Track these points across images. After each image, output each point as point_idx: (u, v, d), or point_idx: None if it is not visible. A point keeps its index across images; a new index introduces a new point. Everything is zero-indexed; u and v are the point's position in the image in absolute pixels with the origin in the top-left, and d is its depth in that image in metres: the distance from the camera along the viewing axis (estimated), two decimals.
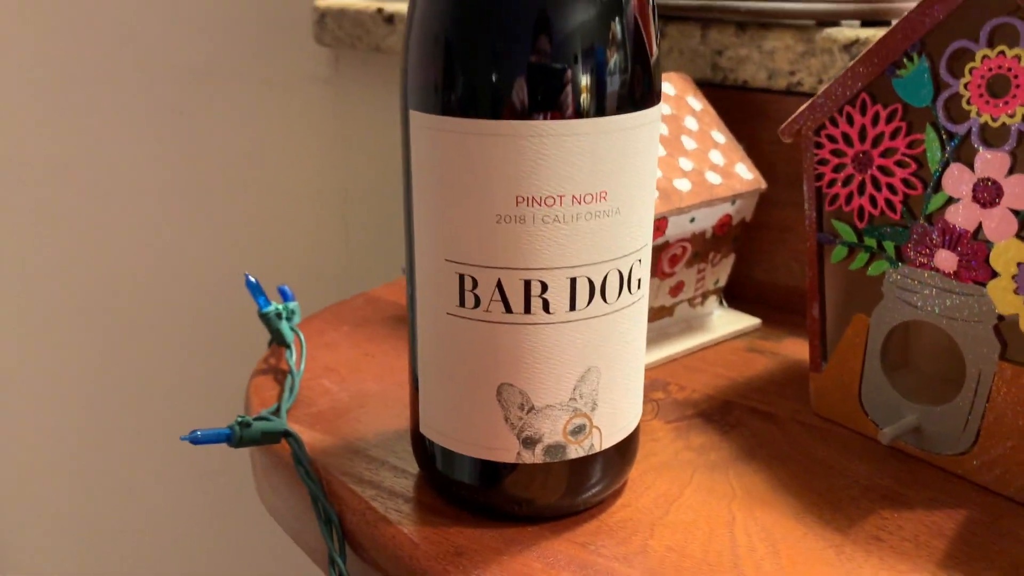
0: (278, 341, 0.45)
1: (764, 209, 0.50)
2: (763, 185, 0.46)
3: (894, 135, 0.35)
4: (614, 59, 0.28)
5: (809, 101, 0.38)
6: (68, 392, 1.07)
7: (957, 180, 0.33)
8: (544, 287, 0.29)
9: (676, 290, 0.47)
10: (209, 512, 0.97)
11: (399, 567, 0.31)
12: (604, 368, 0.31)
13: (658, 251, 0.44)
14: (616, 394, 0.32)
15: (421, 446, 0.34)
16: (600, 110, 0.28)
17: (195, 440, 0.35)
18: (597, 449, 0.32)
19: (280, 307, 0.45)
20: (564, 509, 0.33)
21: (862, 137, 0.36)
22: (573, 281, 0.29)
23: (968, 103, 0.33)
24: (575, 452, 0.32)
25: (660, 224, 0.43)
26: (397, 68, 0.61)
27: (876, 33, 0.46)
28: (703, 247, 0.46)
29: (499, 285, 0.29)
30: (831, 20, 0.48)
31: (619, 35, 0.28)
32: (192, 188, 0.84)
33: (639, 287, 0.32)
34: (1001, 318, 0.33)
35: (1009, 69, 0.31)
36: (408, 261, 0.32)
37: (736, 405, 0.42)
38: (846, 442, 0.38)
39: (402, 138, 0.31)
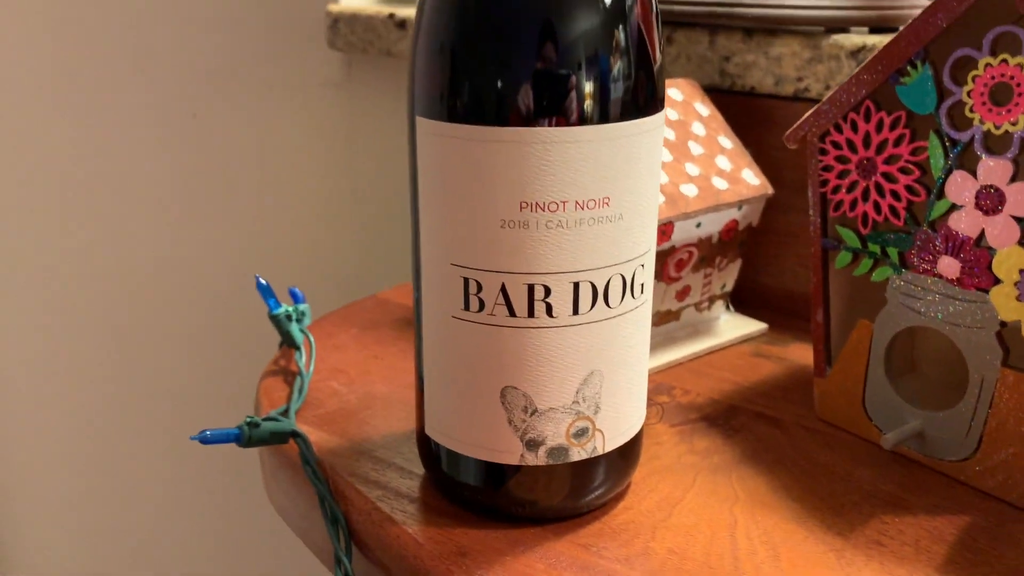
0: (288, 343, 0.46)
1: (771, 214, 0.50)
2: (770, 191, 0.47)
3: (898, 142, 0.35)
4: (617, 67, 0.29)
5: (814, 108, 0.38)
6: (80, 392, 1.08)
7: (960, 187, 0.34)
8: (547, 291, 0.30)
9: (682, 294, 0.47)
10: (218, 511, 0.98)
11: (403, 567, 0.32)
12: (607, 372, 0.31)
13: (664, 256, 0.44)
14: (619, 398, 0.32)
15: (426, 447, 0.34)
16: (603, 117, 0.29)
17: (204, 440, 0.35)
18: (600, 452, 0.32)
19: (290, 309, 0.46)
20: (567, 511, 0.33)
21: (866, 144, 0.36)
22: (576, 285, 0.30)
23: (971, 111, 0.33)
24: (578, 455, 0.32)
25: (666, 229, 0.43)
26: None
27: (882, 40, 0.46)
28: (709, 252, 0.46)
29: (503, 289, 0.30)
30: (840, 27, 0.48)
31: (622, 43, 0.29)
32: (205, 190, 0.85)
33: (642, 292, 0.32)
34: (1003, 324, 0.34)
35: (1011, 77, 0.32)
36: (414, 265, 0.33)
37: (741, 409, 0.42)
38: (850, 447, 0.39)
39: (409, 144, 0.31)
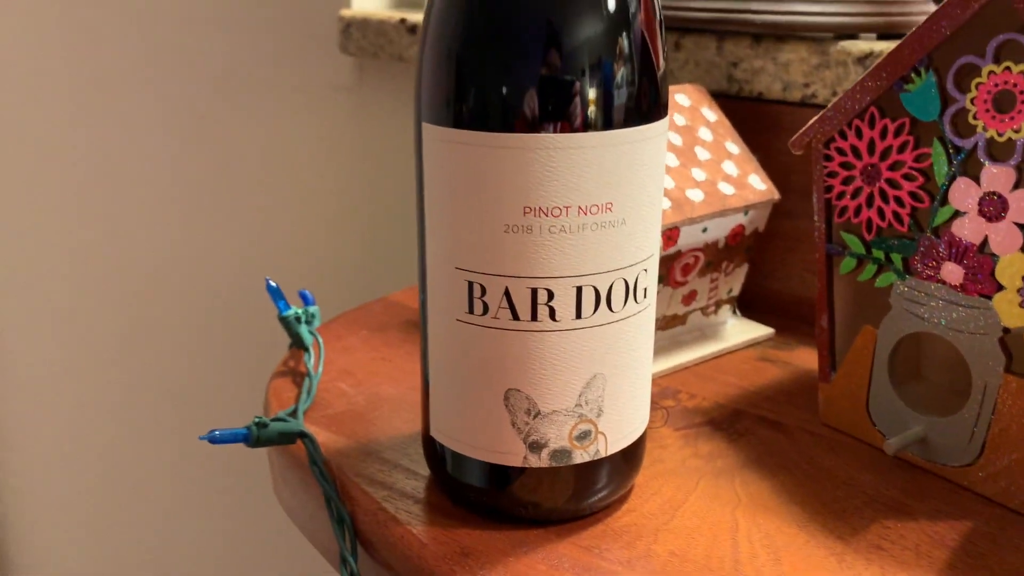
0: (297, 344, 0.46)
1: (778, 219, 0.50)
2: (776, 196, 0.47)
3: (902, 149, 0.36)
4: (621, 74, 0.29)
5: (819, 114, 0.38)
6: (91, 392, 1.09)
7: (963, 194, 0.34)
8: (550, 295, 0.30)
9: (689, 299, 0.47)
10: (227, 512, 0.99)
11: (407, 566, 0.32)
12: (610, 375, 0.32)
13: (670, 260, 0.44)
14: (622, 401, 0.32)
15: (431, 449, 0.35)
16: (607, 123, 0.29)
17: (213, 440, 0.36)
18: (603, 455, 0.33)
19: (300, 311, 0.47)
20: (570, 513, 0.34)
21: (871, 150, 0.37)
22: (579, 290, 0.30)
23: (974, 118, 0.33)
24: (581, 457, 0.32)
25: (672, 234, 0.43)
26: None
27: (889, 46, 0.46)
28: (716, 257, 0.47)
29: (506, 293, 0.30)
30: (849, 33, 0.48)
31: (626, 50, 0.29)
32: (217, 192, 0.86)
33: (645, 296, 0.32)
34: (1007, 331, 0.34)
35: (1015, 85, 0.32)
36: (420, 269, 0.33)
37: (745, 414, 0.42)
38: (853, 452, 0.39)
39: (415, 149, 0.32)
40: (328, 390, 0.44)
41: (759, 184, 0.47)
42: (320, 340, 0.47)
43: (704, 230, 0.45)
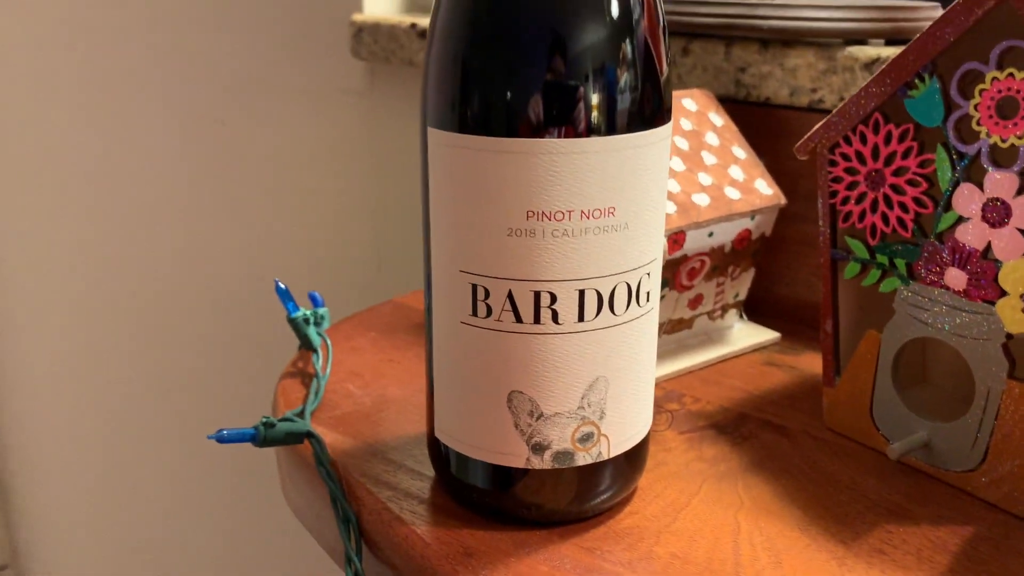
0: (305, 346, 0.47)
1: (786, 224, 0.50)
2: (783, 201, 0.47)
3: (906, 154, 0.36)
4: (624, 79, 0.29)
5: (824, 120, 0.38)
6: (104, 392, 1.10)
7: (967, 200, 0.34)
8: (553, 298, 0.30)
9: (695, 303, 0.48)
10: (236, 511, 0.99)
11: (411, 566, 0.33)
12: (612, 378, 0.32)
13: (676, 264, 0.45)
14: (624, 403, 0.33)
15: (436, 450, 0.35)
16: (610, 128, 0.29)
17: (221, 439, 0.36)
18: (605, 457, 0.33)
19: (308, 313, 0.47)
20: (572, 515, 0.34)
21: (875, 156, 0.37)
22: (581, 293, 0.30)
23: (978, 124, 0.33)
24: (583, 459, 0.32)
25: (678, 238, 0.44)
26: None
27: (896, 52, 0.46)
28: (722, 261, 0.47)
29: (510, 296, 0.30)
30: (856, 39, 0.48)
31: (629, 56, 0.29)
32: (229, 194, 0.87)
33: (648, 300, 0.32)
34: (1010, 336, 0.34)
35: (1018, 91, 0.32)
36: (426, 272, 0.33)
37: (750, 418, 0.42)
38: (857, 456, 0.39)
39: (421, 154, 0.32)
40: (336, 391, 0.44)
41: (766, 189, 0.47)
42: (328, 342, 0.47)
43: (710, 234, 0.45)
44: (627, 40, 0.29)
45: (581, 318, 0.31)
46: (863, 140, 0.37)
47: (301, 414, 0.41)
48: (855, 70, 0.47)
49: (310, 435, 0.38)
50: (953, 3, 0.33)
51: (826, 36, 0.48)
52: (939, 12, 0.45)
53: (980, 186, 0.34)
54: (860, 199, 0.38)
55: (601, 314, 0.31)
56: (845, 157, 0.38)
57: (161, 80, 0.88)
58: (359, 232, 0.77)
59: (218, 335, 0.93)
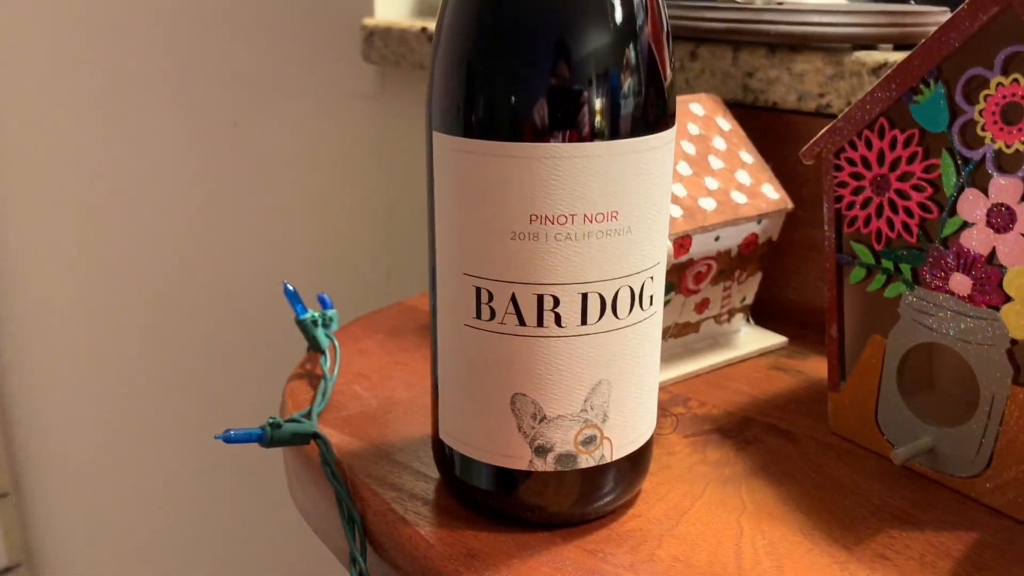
0: (313, 347, 0.47)
1: (793, 228, 0.51)
2: (789, 205, 0.47)
3: (911, 159, 0.36)
4: (627, 84, 0.29)
5: (830, 124, 0.38)
6: (113, 392, 1.10)
7: (972, 205, 0.34)
8: (556, 302, 0.30)
9: (701, 307, 0.48)
10: (243, 511, 1.00)
11: (415, 566, 0.33)
12: (615, 381, 0.32)
13: (682, 268, 0.45)
14: (627, 407, 0.33)
15: (441, 452, 0.35)
16: (613, 133, 0.29)
17: (228, 439, 0.37)
18: (608, 460, 0.33)
19: (317, 314, 0.47)
20: (575, 517, 0.34)
21: (880, 161, 0.37)
22: (584, 296, 0.31)
23: (983, 129, 0.33)
24: (586, 462, 0.33)
25: (684, 242, 0.44)
26: None
27: (904, 57, 0.46)
28: (728, 265, 0.47)
29: (513, 299, 0.31)
30: (864, 44, 0.48)
31: (632, 62, 0.29)
32: (241, 196, 0.87)
33: (651, 304, 0.33)
34: (1014, 342, 0.34)
35: (1023, 97, 0.32)
36: (431, 274, 0.34)
37: (755, 422, 0.42)
38: (862, 461, 0.39)
39: (427, 158, 0.32)
40: (343, 392, 0.45)
41: (772, 193, 0.47)
42: (336, 343, 0.48)
43: (716, 239, 0.45)
44: (630, 45, 0.29)
45: (584, 321, 0.31)
46: (868, 145, 0.37)
47: (308, 415, 0.41)
48: (862, 75, 0.47)
49: (316, 436, 0.39)
50: (958, 9, 0.33)
51: (833, 41, 0.48)
52: (947, 17, 0.45)
53: (985, 191, 0.34)
54: (865, 204, 0.38)
55: (604, 317, 0.31)
56: (850, 162, 0.38)
57: (175, 83, 0.88)
58: (369, 234, 0.78)
59: (229, 336, 0.93)
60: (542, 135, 0.29)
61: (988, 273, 0.34)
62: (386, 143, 0.74)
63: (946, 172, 0.35)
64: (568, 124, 0.29)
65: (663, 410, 0.43)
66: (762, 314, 0.53)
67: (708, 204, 0.44)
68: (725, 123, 0.48)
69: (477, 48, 0.29)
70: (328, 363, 0.46)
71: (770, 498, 0.36)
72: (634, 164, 0.30)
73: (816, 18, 0.48)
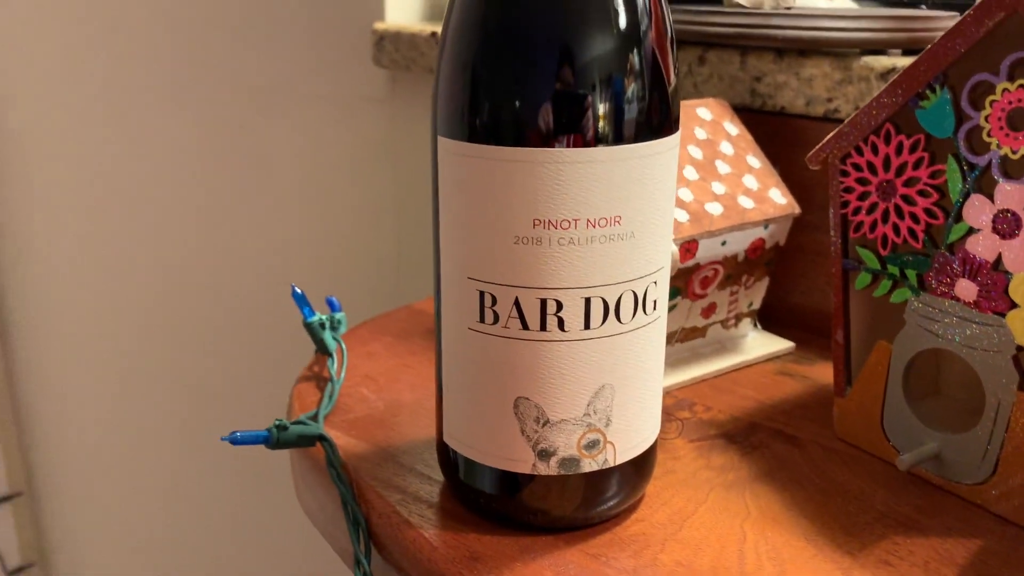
0: (321, 350, 0.47)
1: (801, 233, 0.50)
2: (796, 210, 0.47)
3: (917, 165, 0.36)
4: (630, 90, 0.29)
5: (836, 130, 0.38)
6: (125, 395, 1.11)
7: (978, 211, 0.34)
8: (559, 306, 0.31)
9: (708, 311, 0.48)
10: (251, 513, 1.00)
11: (418, 569, 0.33)
12: (618, 385, 0.32)
13: (689, 273, 0.45)
14: (631, 411, 0.33)
15: (445, 455, 0.36)
16: (616, 138, 0.30)
17: (234, 441, 0.37)
18: (611, 464, 0.33)
19: (324, 317, 0.48)
20: (579, 521, 0.34)
21: (886, 166, 0.37)
22: (587, 301, 0.31)
23: (988, 135, 0.33)
24: (589, 466, 0.33)
25: (690, 246, 0.44)
26: None
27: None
28: (735, 270, 0.47)
29: (516, 303, 0.31)
30: (873, 49, 0.48)
31: (635, 67, 0.29)
32: (250, 199, 0.88)
33: (655, 308, 0.33)
34: (1020, 349, 0.34)
35: None
36: (436, 278, 0.34)
37: (760, 427, 0.42)
38: (867, 467, 0.39)
39: (432, 162, 0.33)
40: (350, 395, 0.45)
41: (780, 198, 0.47)
42: (344, 346, 0.48)
43: (723, 243, 0.45)
44: (634, 51, 0.29)
45: (587, 326, 0.31)
46: (874, 151, 0.37)
47: (315, 417, 0.42)
48: (871, 80, 0.47)
49: (322, 438, 0.39)
50: (964, 15, 0.33)
51: (842, 46, 0.48)
52: (955, 22, 0.45)
53: (991, 197, 0.33)
54: (871, 209, 0.38)
55: (607, 322, 0.31)
56: (856, 167, 0.38)
57: (188, 86, 0.89)
58: (379, 237, 0.78)
59: (240, 339, 0.94)
60: (545, 140, 0.29)
61: (994, 279, 0.34)
62: (396, 146, 0.74)
63: (952, 178, 0.34)
64: (571, 129, 0.29)
65: (668, 415, 0.43)
66: (770, 319, 0.53)
67: (715, 209, 0.44)
68: (732, 128, 0.48)
69: (480, 53, 0.30)
70: (335, 366, 0.46)
71: (774, 503, 0.36)
72: (637, 169, 0.30)
73: (825, 23, 0.48)
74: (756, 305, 0.50)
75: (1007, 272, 0.33)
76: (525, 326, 0.31)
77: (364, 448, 0.40)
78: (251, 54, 0.82)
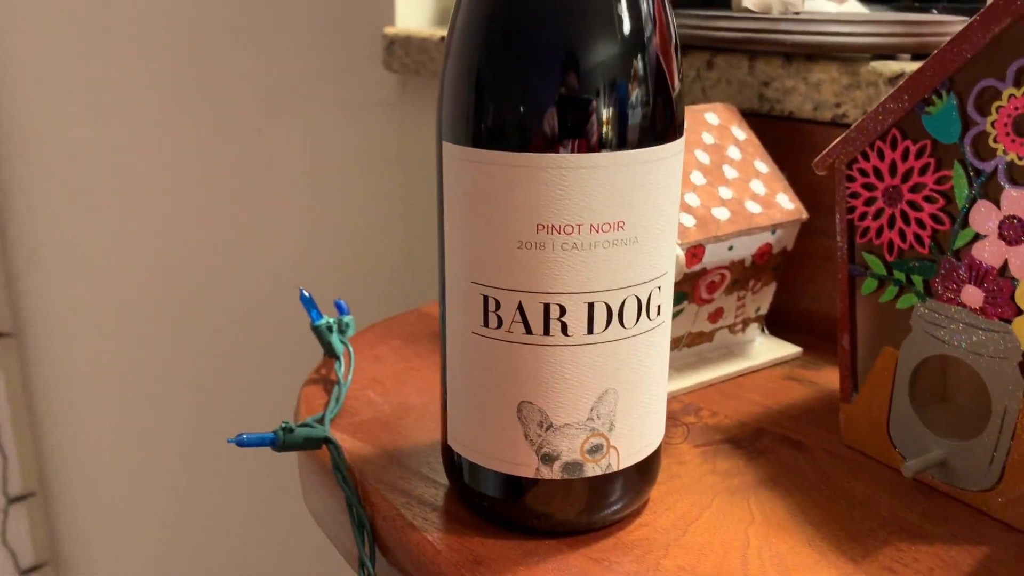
0: (328, 353, 0.48)
1: (809, 238, 0.50)
2: (804, 215, 0.47)
3: (923, 171, 0.36)
4: (633, 95, 0.30)
5: (842, 135, 0.38)
6: (135, 397, 1.12)
7: (984, 217, 0.34)
8: (562, 310, 0.31)
9: (715, 316, 0.48)
10: (258, 515, 1.01)
11: (422, 572, 0.33)
12: (622, 390, 0.32)
13: (695, 278, 0.45)
14: (634, 416, 0.33)
15: (449, 458, 0.36)
16: (619, 144, 0.30)
17: (241, 443, 0.37)
18: (615, 468, 0.33)
19: (332, 320, 0.48)
20: (582, 525, 0.34)
21: (892, 172, 0.37)
22: (591, 306, 0.31)
23: (994, 141, 0.33)
24: (592, 470, 0.33)
25: (697, 251, 0.44)
26: None
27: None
28: (742, 275, 0.47)
29: (520, 307, 0.31)
30: (883, 54, 0.48)
31: (639, 73, 0.30)
32: (265, 202, 0.88)
33: (659, 313, 0.33)
34: None
35: None
36: (440, 282, 0.34)
37: (767, 432, 0.42)
38: (873, 474, 0.39)
39: (437, 167, 0.33)
40: (357, 398, 0.45)
41: (787, 203, 0.47)
42: (351, 349, 0.48)
43: (730, 248, 0.45)
44: (637, 57, 0.29)
45: (590, 330, 0.31)
46: (881, 156, 0.37)
47: (321, 420, 0.42)
48: (879, 85, 0.47)
49: (328, 441, 0.39)
50: (970, 20, 0.33)
51: (851, 51, 0.48)
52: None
53: (997, 203, 0.33)
54: (877, 215, 0.38)
55: (610, 327, 0.31)
56: (863, 173, 0.38)
57: (199, 90, 0.90)
58: (388, 240, 0.79)
59: (250, 341, 0.94)
60: (549, 146, 0.29)
61: (1000, 286, 0.34)
62: (405, 150, 0.75)
63: (958, 184, 0.34)
64: (574, 135, 0.29)
65: (674, 419, 0.43)
66: (777, 324, 0.53)
67: (721, 214, 0.44)
68: (740, 133, 0.48)
69: (483, 59, 0.30)
70: (342, 369, 0.46)
71: (779, 509, 0.36)
72: (641, 175, 0.30)
73: (833, 28, 0.47)
74: (764, 310, 0.50)
75: (1013, 278, 0.33)
76: (528, 331, 0.31)
77: (370, 451, 0.40)
78: (262, 57, 0.82)
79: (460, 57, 0.30)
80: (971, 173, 0.34)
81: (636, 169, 0.30)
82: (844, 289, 0.40)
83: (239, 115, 0.87)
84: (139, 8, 0.92)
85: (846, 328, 0.40)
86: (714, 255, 0.45)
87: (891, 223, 0.37)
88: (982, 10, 0.32)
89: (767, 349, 0.50)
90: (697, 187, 0.45)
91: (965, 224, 0.34)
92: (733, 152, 0.47)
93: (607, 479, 0.33)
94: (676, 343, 0.47)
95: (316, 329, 0.47)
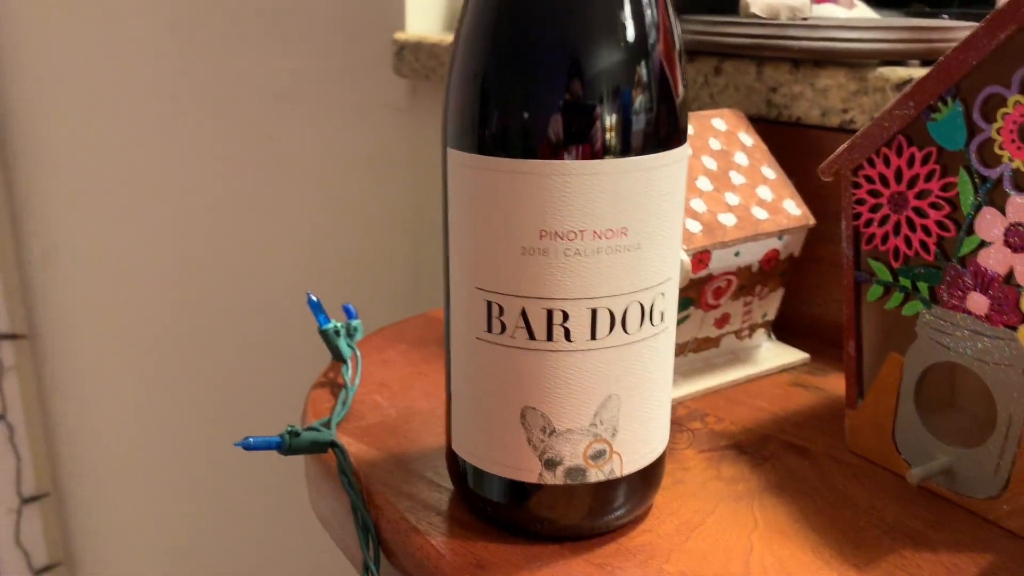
0: (336, 357, 0.48)
1: (816, 244, 0.50)
2: (811, 221, 0.47)
3: (929, 177, 0.35)
4: (637, 102, 0.30)
5: (848, 141, 0.38)
6: (145, 401, 1.13)
7: (989, 224, 0.34)
8: (565, 316, 0.31)
9: (721, 322, 0.48)
10: (265, 519, 1.01)
11: (425, 575, 0.33)
12: (625, 396, 0.32)
13: (701, 283, 0.45)
14: (637, 422, 0.33)
15: (454, 463, 0.36)
16: (623, 150, 0.30)
17: (247, 446, 0.38)
18: (618, 474, 0.33)
19: (339, 325, 0.48)
20: (585, 531, 0.34)
21: (898, 178, 0.37)
22: (594, 312, 0.31)
23: (1000, 148, 0.33)
24: (595, 476, 0.33)
25: (703, 257, 0.44)
26: None
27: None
28: (749, 281, 0.47)
29: (523, 313, 0.31)
30: (890, 60, 0.48)
31: (642, 79, 0.30)
32: (276, 206, 0.89)
33: (662, 319, 0.33)
34: None
35: None
36: (445, 288, 0.34)
37: (772, 438, 0.42)
38: (878, 480, 0.39)
39: (442, 173, 0.33)
40: (363, 402, 0.45)
41: (794, 209, 0.47)
42: (359, 353, 0.48)
43: (736, 254, 0.45)
44: (640, 64, 0.30)
45: (593, 336, 0.31)
46: (886, 162, 0.37)
47: (327, 424, 0.42)
48: (886, 91, 0.46)
49: (334, 444, 0.39)
50: (976, 27, 0.33)
51: (858, 57, 0.48)
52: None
53: (1002, 211, 0.33)
54: (883, 221, 0.38)
55: (613, 332, 0.31)
56: (868, 179, 0.38)
57: (210, 93, 0.90)
58: (397, 245, 0.79)
59: (259, 344, 0.95)
60: (552, 152, 0.29)
61: (1005, 293, 0.34)
62: (415, 155, 0.75)
63: (963, 190, 0.34)
64: (578, 141, 0.29)
65: (680, 425, 0.43)
66: (785, 330, 0.52)
67: (728, 220, 0.44)
68: (747, 138, 0.48)
69: (487, 66, 0.30)
70: (349, 373, 0.47)
71: (783, 516, 0.36)
72: (644, 181, 0.30)
73: (840, 33, 0.47)
74: (770, 316, 0.50)
75: (1018, 285, 0.33)
76: (532, 336, 0.31)
77: (375, 455, 0.40)
78: (273, 62, 0.83)
79: (465, 64, 0.31)
80: (977, 180, 0.34)
81: (639, 176, 0.30)
82: (850, 296, 0.40)
83: (250, 119, 0.87)
84: (153, 13, 0.93)
85: (851, 334, 0.40)
86: (720, 261, 0.45)
87: (897, 230, 0.37)
88: (987, 17, 0.32)
89: (774, 355, 0.50)
90: (704, 193, 0.45)
91: (971, 231, 0.34)
92: (740, 158, 0.47)
93: (610, 485, 0.33)
94: (682, 348, 0.47)
95: (324, 333, 0.47)
